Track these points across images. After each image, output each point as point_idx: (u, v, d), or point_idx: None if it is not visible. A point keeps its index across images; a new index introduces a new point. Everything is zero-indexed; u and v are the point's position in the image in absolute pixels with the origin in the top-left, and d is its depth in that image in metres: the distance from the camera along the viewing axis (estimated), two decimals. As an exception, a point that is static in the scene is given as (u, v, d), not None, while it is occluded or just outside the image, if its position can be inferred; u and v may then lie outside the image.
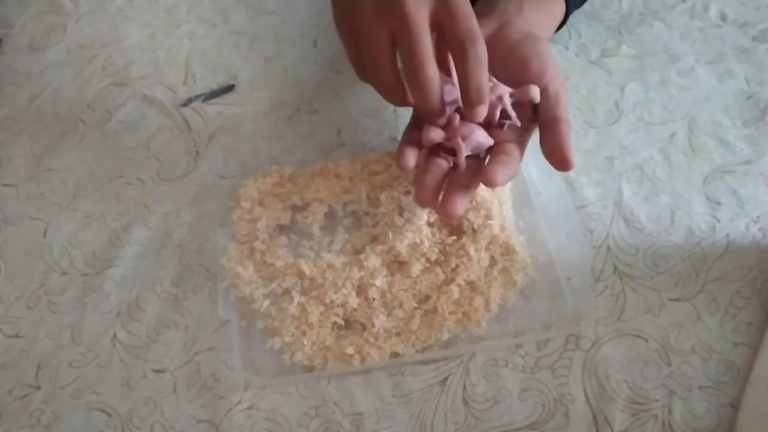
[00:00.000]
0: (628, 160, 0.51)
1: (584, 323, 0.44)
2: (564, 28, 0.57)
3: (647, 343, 0.43)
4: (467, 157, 0.44)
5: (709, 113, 0.53)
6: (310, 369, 0.43)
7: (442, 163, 0.44)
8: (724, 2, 0.60)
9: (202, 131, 0.58)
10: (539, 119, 0.44)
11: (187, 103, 0.60)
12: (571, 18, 0.57)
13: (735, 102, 0.54)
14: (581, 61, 0.59)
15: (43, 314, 0.49)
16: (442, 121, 0.44)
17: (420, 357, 0.43)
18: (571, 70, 0.58)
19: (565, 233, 0.47)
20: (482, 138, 0.43)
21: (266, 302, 0.45)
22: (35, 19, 0.70)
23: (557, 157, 0.41)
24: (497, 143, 0.44)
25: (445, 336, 0.43)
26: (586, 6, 0.60)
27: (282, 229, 0.50)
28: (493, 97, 0.44)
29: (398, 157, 0.44)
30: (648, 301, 0.44)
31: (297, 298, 0.45)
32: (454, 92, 0.44)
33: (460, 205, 0.42)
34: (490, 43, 0.44)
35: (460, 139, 0.43)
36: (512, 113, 0.44)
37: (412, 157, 0.44)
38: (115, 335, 0.47)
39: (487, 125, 0.44)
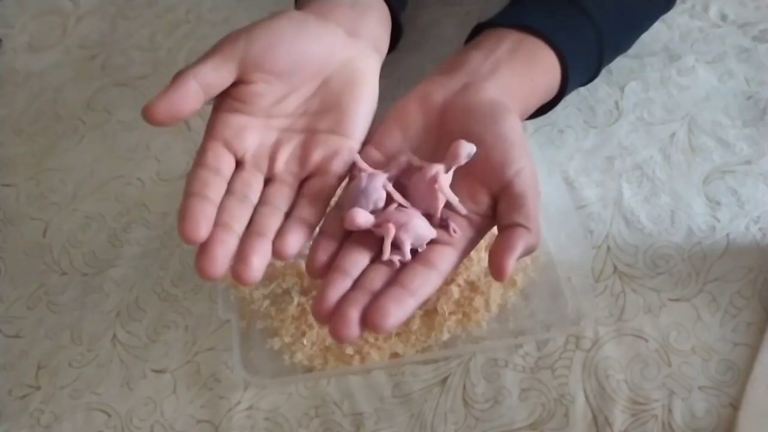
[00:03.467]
0: (628, 160, 0.51)
1: (584, 323, 0.43)
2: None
3: (647, 343, 0.43)
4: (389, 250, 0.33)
5: (709, 113, 0.53)
6: (310, 369, 0.43)
7: (359, 261, 0.33)
8: (724, 2, 0.60)
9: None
10: (497, 221, 0.34)
11: (187, 103, 0.60)
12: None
13: (735, 102, 0.54)
14: (581, 61, 0.58)
15: (43, 314, 0.48)
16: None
17: (420, 357, 0.43)
18: (571, 70, 0.58)
19: (565, 233, 0.47)
20: (425, 230, 0.34)
21: (266, 302, 0.45)
22: (35, 19, 0.70)
23: (493, 263, 0.32)
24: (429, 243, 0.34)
25: (445, 336, 0.43)
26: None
27: (282, 229, 0.49)
28: (423, 183, 0.34)
29: (309, 256, 0.34)
30: (648, 301, 0.44)
31: (297, 298, 0.45)
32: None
33: (354, 326, 0.30)
34: (446, 111, 0.37)
35: (391, 226, 0.33)
36: (452, 197, 0.34)
37: (325, 256, 0.33)
38: (115, 335, 0.47)
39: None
